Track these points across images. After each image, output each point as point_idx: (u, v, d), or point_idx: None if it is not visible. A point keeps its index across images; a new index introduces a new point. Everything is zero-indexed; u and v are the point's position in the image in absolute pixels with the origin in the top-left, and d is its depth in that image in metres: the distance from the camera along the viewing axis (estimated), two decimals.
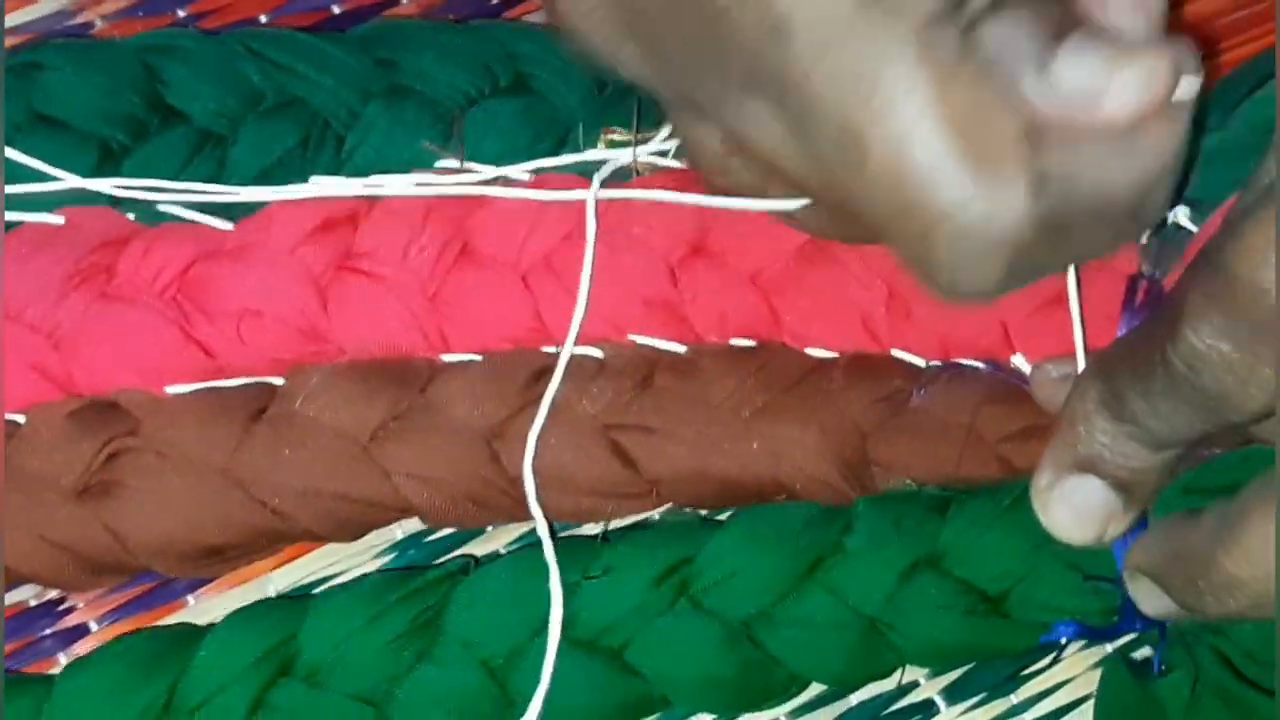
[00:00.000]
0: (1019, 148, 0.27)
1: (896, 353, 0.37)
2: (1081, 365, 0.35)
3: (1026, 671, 0.38)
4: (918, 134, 0.26)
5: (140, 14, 0.41)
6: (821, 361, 0.37)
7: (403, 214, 0.37)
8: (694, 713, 0.36)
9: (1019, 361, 0.37)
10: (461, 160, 0.38)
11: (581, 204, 0.37)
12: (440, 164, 0.38)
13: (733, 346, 0.37)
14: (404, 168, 0.38)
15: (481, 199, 0.37)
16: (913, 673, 0.37)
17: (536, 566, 0.34)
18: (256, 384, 0.36)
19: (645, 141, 0.38)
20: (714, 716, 0.36)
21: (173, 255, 0.36)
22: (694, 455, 0.35)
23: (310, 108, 0.38)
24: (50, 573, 0.34)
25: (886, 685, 0.37)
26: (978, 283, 0.28)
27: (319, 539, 0.35)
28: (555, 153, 0.38)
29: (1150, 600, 0.33)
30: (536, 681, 0.33)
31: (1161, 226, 0.37)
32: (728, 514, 0.36)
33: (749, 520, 0.35)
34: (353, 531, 0.36)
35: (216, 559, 0.35)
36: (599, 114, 0.38)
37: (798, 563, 0.34)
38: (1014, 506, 0.35)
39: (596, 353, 0.37)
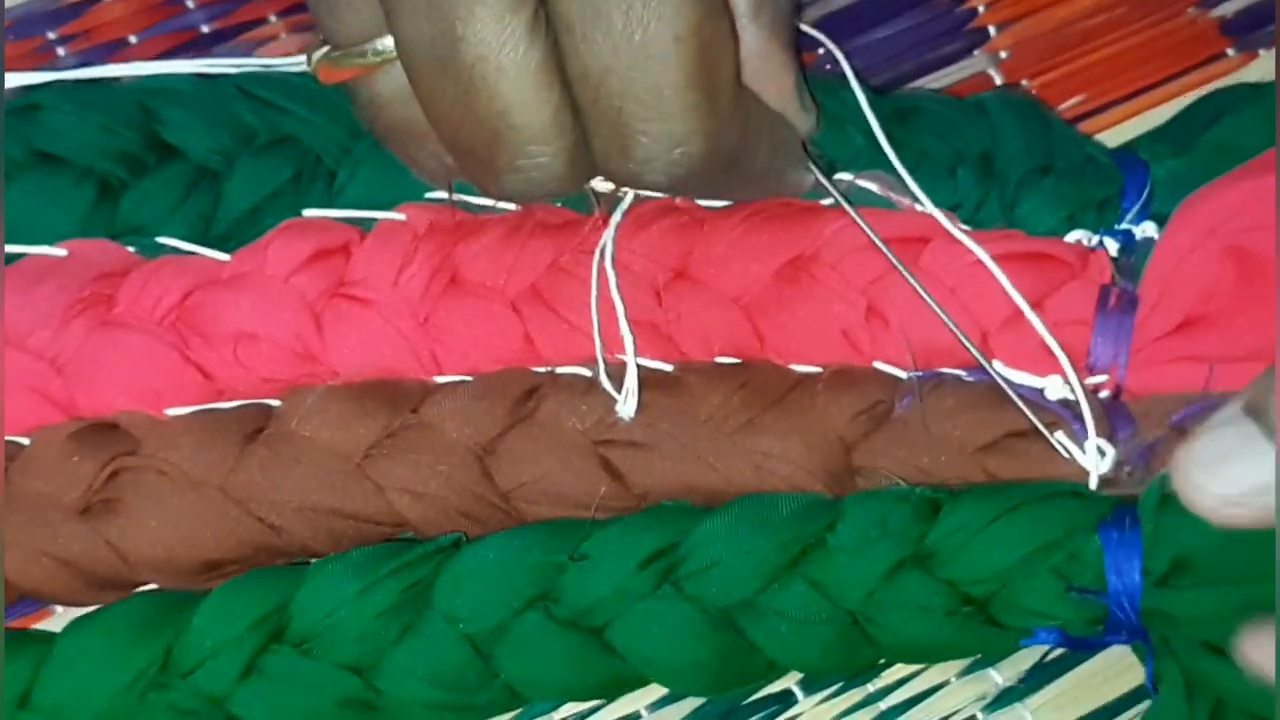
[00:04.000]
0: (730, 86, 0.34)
1: (879, 365, 0.38)
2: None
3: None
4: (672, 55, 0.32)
5: (11, 37, 0.42)
6: (805, 376, 0.38)
7: (393, 243, 0.38)
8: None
9: (999, 368, 0.37)
10: (450, 192, 0.39)
11: (563, 232, 0.38)
12: (429, 195, 0.39)
13: (718, 364, 0.38)
14: (394, 201, 0.39)
15: (468, 231, 0.38)
16: None
17: (526, 545, 0.35)
18: (253, 405, 0.37)
19: None
20: None
21: (171, 284, 0.37)
22: (680, 469, 0.36)
23: (302, 145, 0.39)
24: (53, 588, 0.35)
25: None
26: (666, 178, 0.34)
27: (315, 554, 0.36)
28: None
29: None
30: (521, 656, 0.35)
31: (1132, 240, 0.39)
32: None
33: (737, 510, 0.36)
34: (348, 547, 0.36)
35: (215, 573, 0.35)
36: None
37: (783, 554, 0.35)
38: (1007, 512, 0.35)
39: (585, 371, 0.37)
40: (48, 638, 0.35)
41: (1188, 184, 0.38)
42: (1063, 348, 0.37)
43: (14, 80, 0.39)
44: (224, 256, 0.38)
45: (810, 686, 0.38)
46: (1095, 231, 0.39)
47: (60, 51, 0.43)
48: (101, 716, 0.33)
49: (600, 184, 0.38)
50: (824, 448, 0.37)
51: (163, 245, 0.38)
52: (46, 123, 0.38)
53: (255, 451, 0.36)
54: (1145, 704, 0.38)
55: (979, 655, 0.38)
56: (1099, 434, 0.36)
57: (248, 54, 0.43)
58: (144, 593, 0.35)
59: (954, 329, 0.37)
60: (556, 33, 0.32)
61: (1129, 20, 0.45)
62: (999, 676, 0.39)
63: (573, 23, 0.32)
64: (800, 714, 0.39)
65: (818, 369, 0.38)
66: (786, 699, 0.39)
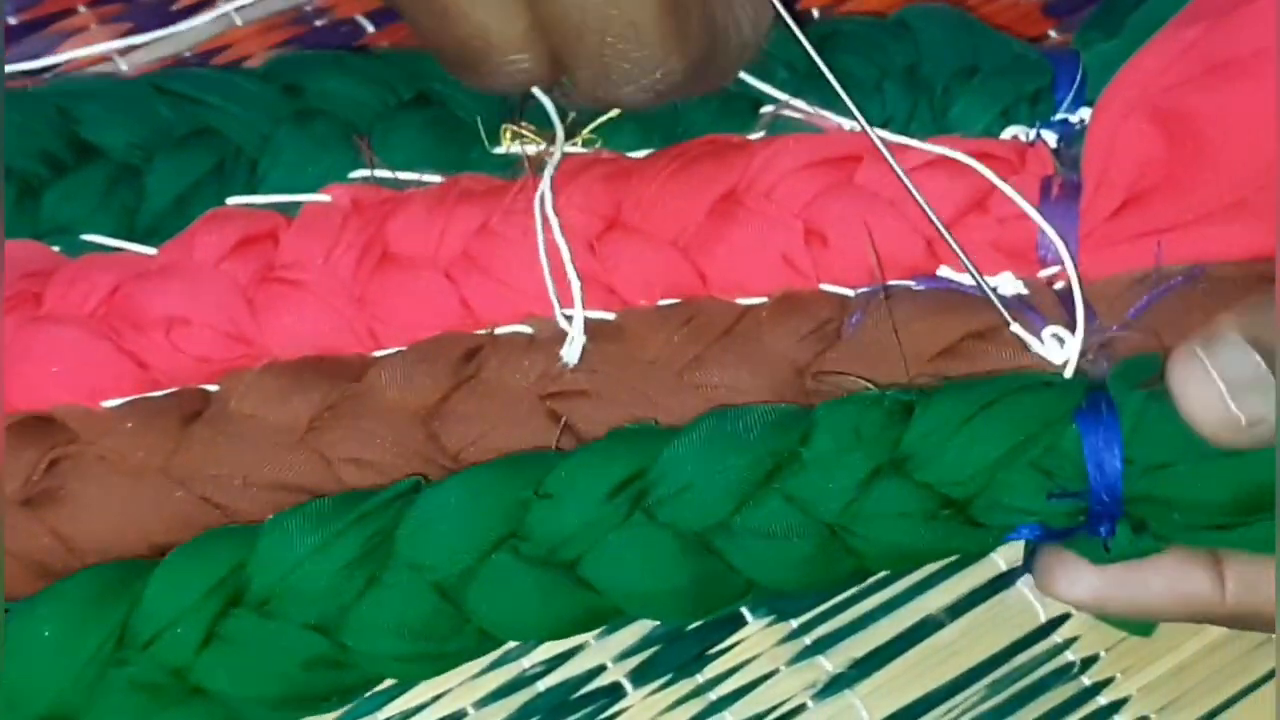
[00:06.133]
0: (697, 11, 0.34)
1: (825, 286, 0.37)
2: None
3: (713, 651, 0.38)
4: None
5: None
6: (750, 307, 0.37)
7: (321, 224, 0.37)
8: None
9: (945, 272, 0.37)
10: (372, 170, 0.38)
11: (489, 197, 0.38)
12: (353, 175, 0.39)
13: (660, 306, 0.37)
14: (317, 185, 0.38)
15: (394, 205, 0.38)
16: (599, 655, 0.38)
17: (488, 483, 0.34)
18: (191, 390, 0.36)
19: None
20: None
21: (99, 280, 0.36)
22: (630, 413, 0.35)
23: (222, 135, 0.39)
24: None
25: (574, 670, 0.38)
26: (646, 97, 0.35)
27: None
28: (463, 157, 0.39)
29: None
30: (493, 599, 0.33)
31: (1071, 130, 0.38)
32: None
33: (704, 428, 0.34)
34: None
35: (163, 557, 0.34)
36: (499, 118, 0.39)
37: (756, 471, 0.34)
38: (982, 409, 0.34)
39: (526, 329, 0.37)
40: None
41: (1120, 65, 0.37)
42: (1009, 245, 0.36)
43: None
44: (151, 250, 0.37)
45: (639, 678, 0.38)
46: (1031, 125, 0.38)
47: None
48: (60, 698, 0.32)
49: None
50: (775, 374, 0.36)
51: (87, 243, 0.37)
52: None
53: (196, 432, 0.35)
54: (975, 687, 0.39)
55: (960, 555, 0.38)
56: (1058, 324, 0.35)
57: (56, 45, 0.43)
58: (94, 567, 0.34)
59: (938, 225, 0.36)
60: None
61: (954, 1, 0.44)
62: (828, 664, 0.39)
63: None
64: (630, 706, 0.38)
65: (764, 300, 0.37)
66: (615, 691, 0.38)
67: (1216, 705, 0.39)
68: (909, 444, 0.34)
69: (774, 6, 0.36)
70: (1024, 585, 0.40)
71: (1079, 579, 0.33)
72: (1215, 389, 0.33)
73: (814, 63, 0.37)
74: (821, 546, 0.34)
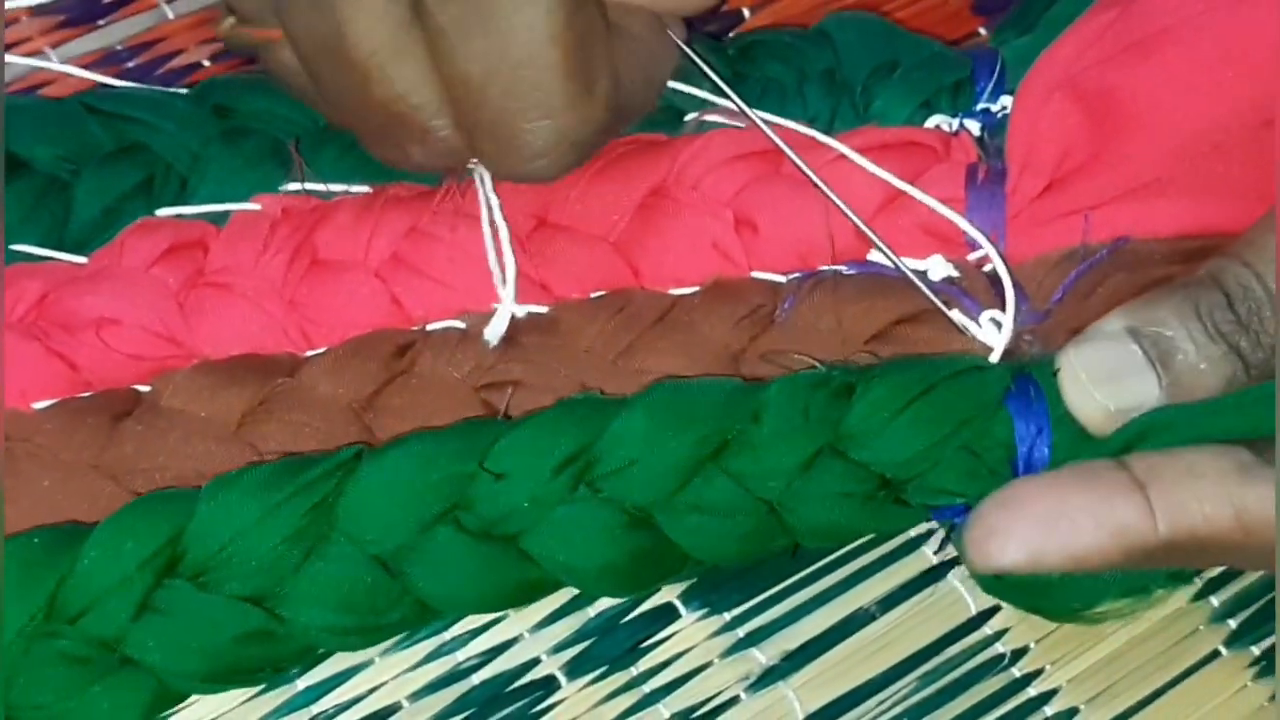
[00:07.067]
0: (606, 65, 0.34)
1: (757, 274, 0.37)
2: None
3: (647, 644, 0.38)
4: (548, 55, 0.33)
5: None
6: (682, 296, 0.37)
7: (251, 231, 0.38)
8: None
9: (877, 257, 0.37)
10: (303, 182, 0.39)
11: (417, 202, 0.38)
12: (284, 188, 0.39)
13: (592, 298, 0.37)
14: (246, 200, 0.38)
15: (323, 212, 0.38)
16: (533, 648, 0.38)
17: (433, 455, 0.33)
18: (123, 390, 0.36)
19: None
20: None
21: (27, 286, 0.36)
22: None
23: (151, 152, 0.39)
24: None
25: (509, 663, 0.38)
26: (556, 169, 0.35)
27: None
28: (389, 174, 0.39)
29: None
30: (433, 572, 0.33)
31: (993, 119, 0.39)
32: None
33: (654, 401, 0.34)
34: None
35: None
36: None
37: (703, 449, 0.34)
38: (921, 395, 0.35)
39: (459, 324, 0.37)
40: None
41: (1037, 56, 0.38)
42: (938, 229, 0.37)
43: None
44: (80, 259, 0.37)
45: (574, 671, 0.38)
46: (953, 115, 0.39)
47: None
48: None
49: None
50: (708, 359, 0.36)
51: (16, 253, 0.37)
52: None
53: (127, 428, 0.35)
54: (907, 679, 0.39)
55: (883, 533, 0.39)
56: (989, 305, 0.36)
57: None
58: (20, 536, 0.33)
59: (850, 214, 0.37)
60: (431, 39, 0.33)
61: (884, 2, 0.45)
62: (762, 656, 0.39)
63: (448, 27, 0.33)
64: (564, 699, 0.38)
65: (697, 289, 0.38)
66: (550, 684, 0.38)
67: (1145, 695, 0.39)
68: (849, 425, 0.35)
69: (683, 49, 0.37)
70: (955, 578, 0.40)
71: (1010, 541, 0.32)
72: (1080, 381, 0.34)
73: (735, 71, 0.39)
74: (760, 524, 0.35)
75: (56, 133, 0.38)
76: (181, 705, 0.36)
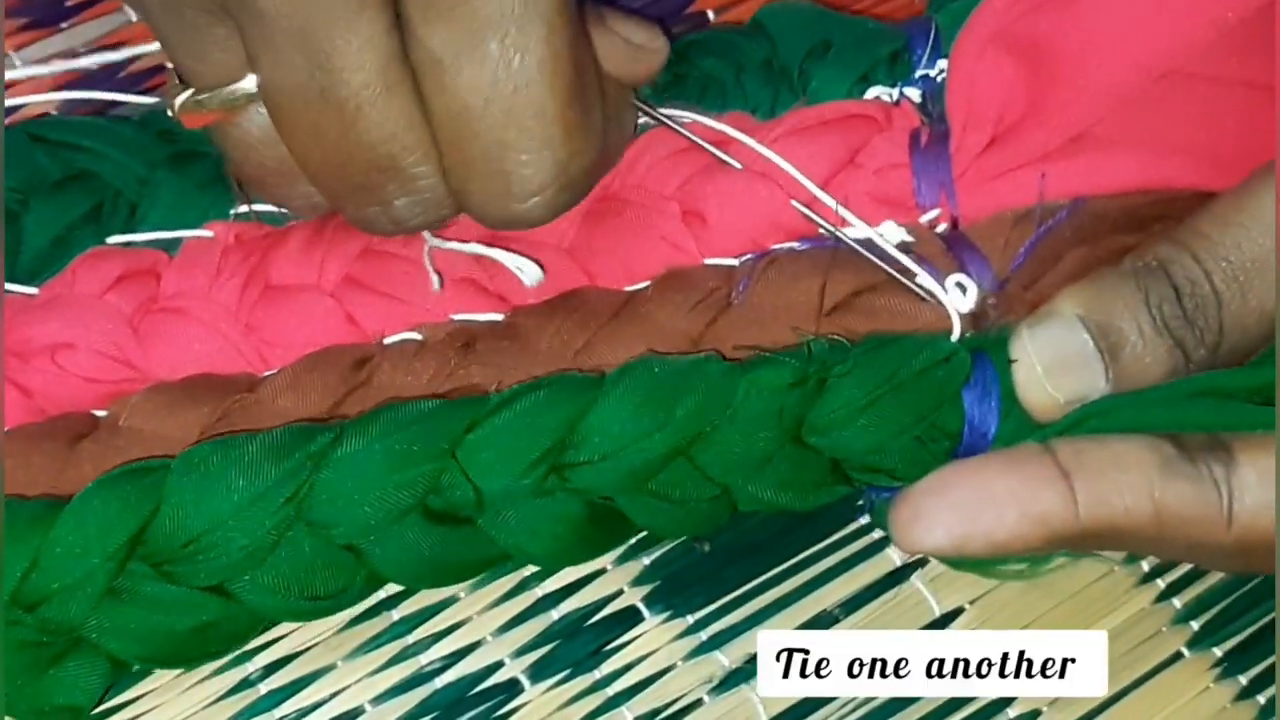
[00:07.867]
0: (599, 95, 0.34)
1: (710, 261, 0.38)
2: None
3: (610, 647, 0.38)
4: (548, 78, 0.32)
5: None
6: (636, 291, 0.37)
7: (203, 258, 0.37)
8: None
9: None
10: (251, 206, 0.38)
11: None
12: (234, 212, 0.38)
13: (547, 301, 0.37)
14: (196, 225, 0.38)
15: (276, 238, 0.38)
16: (496, 651, 0.38)
17: (410, 445, 0.33)
18: (79, 414, 0.36)
19: None
20: None
21: None
22: None
23: (100, 179, 0.38)
24: None
25: (472, 666, 0.38)
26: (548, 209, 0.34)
27: None
28: None
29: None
30: (394, 554, 0.34)
31: (933, 85, 0.39)
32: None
33: (631, 388, 0.34)
34: None
35: None
36: None
37: (676, 446, 0.34)
38: (889, 392, 0.35)
39: (415, 335, 0.37)
40: None
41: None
42: (886, 195, 0.37)
43: None
44: (31, 290, 0.37)
45: (537, 674, 0.38)
46: (892, 86, 0.39)
47: None
48: None
49: None
50: (667, 348, 0.36)
51: None
52: None
53: (85, 448, 0.35)
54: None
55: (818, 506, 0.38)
56: (945, 268, 0.36)
57: None
58: None
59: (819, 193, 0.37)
60: (422, 70, 0.32)
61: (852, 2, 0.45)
62: (725, 659, 0.39)
63: (443, 56, 0.31)
64: (528, 702, 0.38)
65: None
66: (513, 687, 0.38)
67: (1108, 697, 0.40)
68: (816, 418, 0.35)
69: (639, 107, 0.37)
70: (918, 580, 0.40)
71: (935, 528, 0.33)
72: (1035, 371, 0.34)
73: (674, 73, 0.39)
74: (713, 506, 0.36)
75: (3, 163, 0.38)
76: (147, 709, 0.37)
